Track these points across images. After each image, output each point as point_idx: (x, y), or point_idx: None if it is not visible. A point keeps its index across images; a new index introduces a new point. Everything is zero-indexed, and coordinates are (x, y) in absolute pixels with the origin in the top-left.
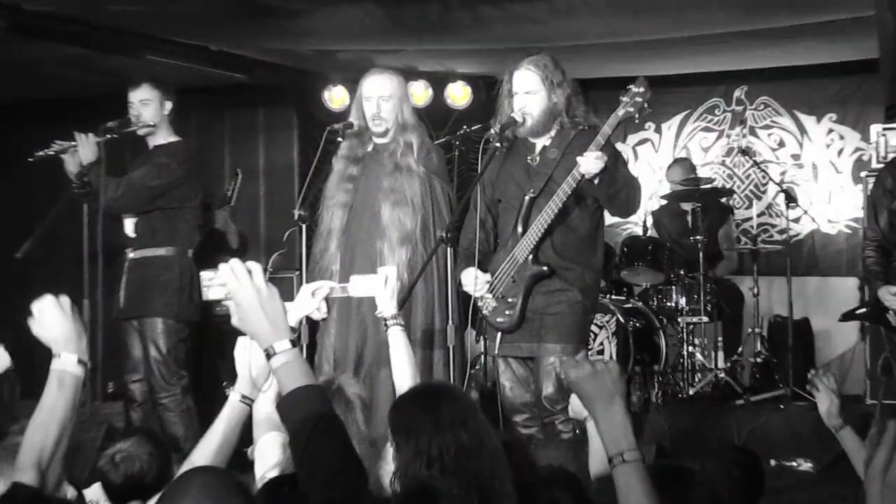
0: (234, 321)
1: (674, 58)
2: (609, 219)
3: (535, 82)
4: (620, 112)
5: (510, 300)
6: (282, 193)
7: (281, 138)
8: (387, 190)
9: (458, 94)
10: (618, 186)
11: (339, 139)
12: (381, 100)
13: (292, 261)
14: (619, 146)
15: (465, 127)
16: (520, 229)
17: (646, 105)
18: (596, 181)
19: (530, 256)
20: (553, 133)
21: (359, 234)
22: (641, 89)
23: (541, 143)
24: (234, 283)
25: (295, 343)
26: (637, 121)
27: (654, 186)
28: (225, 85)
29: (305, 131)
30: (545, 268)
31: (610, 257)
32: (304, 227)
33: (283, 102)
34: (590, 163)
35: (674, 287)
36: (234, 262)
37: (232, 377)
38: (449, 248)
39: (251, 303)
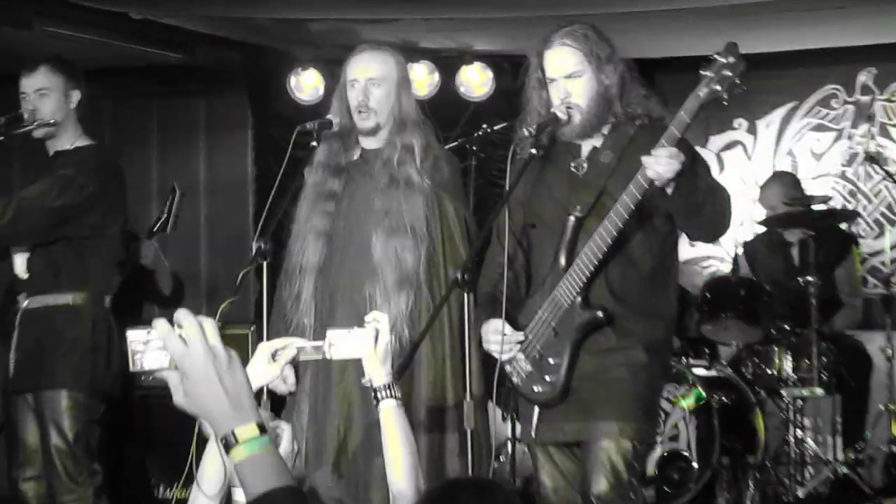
0: (178, 399)
1: (775, 29)
2: (685, 252)
3: (576, 60)
4: (702, 92)
5: (551, 362)
6: (232, 218)
7: (230, 141)
8: (379, 212)
9: (475, 81)
10: (699, 196)
11: (314, 143)
12: (370, 84)
13: (247, 311)
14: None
15: (484, 126)
16: (562, 262)
17: (737, 81)
18: (669, 190)
19: (578, 299)
20: (606, 130)
21: (341, 273)
22: (732, 59)
23: (589, 144)
24: (177, 347)
25: (264, 428)
26: (726, 103)
27: (746, 208)
28: (153, 67)
29: (264, 131)
30: (600, 312)
31: (687, 306)
32: (264, 264)
33: (232, 92)
34: (660, 163)
35: (775, 347)
36: (182, 315)
37: (164, 472)
38: (466, 294)
39: (204, 373)
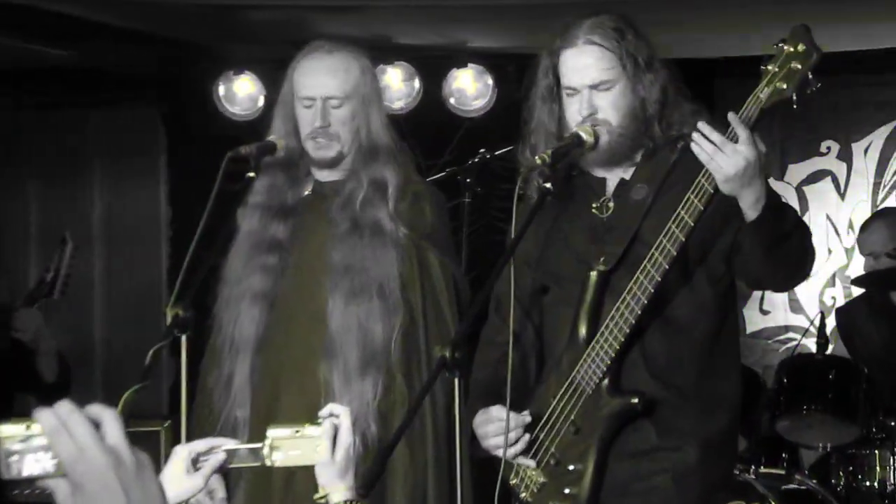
0: None
1: (878, 19)
2: (753, 322)
3: (607, 65)
4: (764, 93)
5: (571, 468)
6: (138, 275)
7: (136, 170)
8: (338, 269)
9: (470, 90)
10: (788, 223)
11: (250, 173)
12: (329, 104)
13: (159, 402)
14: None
15: (482, 150)
16: (582, 332)
17: (810, 76)
18: (753, 212)
19: (605, 381)
20: (638, 157)
21: (287, 351)
22: (801, 47)
23: (616, 176)
24: (67, 447)
25: None
26: (796, 106)
27: (838, 260)
28: (29, 68)
29: (183, 157)
30: (634, 399)
31: (757, 394)
32: (182, 338)
33: (140, 103)
34: (732, 152)
35: (877, 451)
36: (64, 407)
37: None
38: (455, 380)
39: (104, 484)
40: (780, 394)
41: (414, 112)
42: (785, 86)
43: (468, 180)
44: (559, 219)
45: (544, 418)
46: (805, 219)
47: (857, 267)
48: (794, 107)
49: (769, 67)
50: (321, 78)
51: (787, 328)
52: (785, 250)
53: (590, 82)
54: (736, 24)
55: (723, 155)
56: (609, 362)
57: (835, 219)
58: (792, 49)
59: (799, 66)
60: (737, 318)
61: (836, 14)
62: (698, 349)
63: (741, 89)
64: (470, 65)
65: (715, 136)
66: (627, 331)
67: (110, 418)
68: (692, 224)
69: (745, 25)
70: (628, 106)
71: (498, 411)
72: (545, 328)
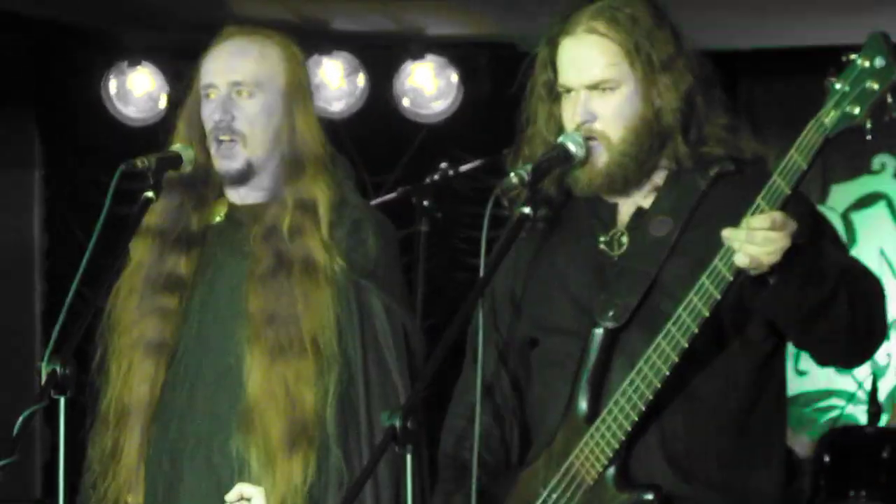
0: None
1: None
2: (793, 383)
3: (609, 61)
4: (829, 117)
5: None
6: (5, 320)
7: (3, 188)
8: (257, 318)
9: (428, 88)
10: (825, 290)
11: (148, 194)
12: (236, 92)
13: (30, 482)
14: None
15: (443, 165)
16: (582, 406)
17: (889, 100)
18: (773, 282)
19: (610, 470)
20: (659, 180)
21: (191, 419)
22: (879, 61)
23: (631, 204)
24: None
25: None
26: (870, 136)
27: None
28: None
29: (62, 172)
30: (649, 495)
31: (792, 477)
32: (60, 401)
33: (7, 103)
34: (756, 240)
35: None
36: None
37: None
38: (408, 456)
39: None
40: (821, 475)
41: (357, 116)
42: (857, 110)
43: (425, 203)
44: (553, 253)
45: None
46: (853, 253)
47: None
48: (868, 137)
49: (837, 86)
50: (228, 60)
51: (828, 393)
52: (833, 328)
53: (588, 81)
54: (767, 6)
55: (749, 248)
56: (617, 446)
57: (891, 254)
58: (867, 64)
59: (875, 87)
60: (782, 390)
61: None
62: (729, 431)
63: (774, 92)
64: (429, 56)
65: (739, 233)
66: (643, 408)
67: None
68: (730, 278)
69: (779, 9)
70: (636, 116)
71: None
72: (531, 394)
